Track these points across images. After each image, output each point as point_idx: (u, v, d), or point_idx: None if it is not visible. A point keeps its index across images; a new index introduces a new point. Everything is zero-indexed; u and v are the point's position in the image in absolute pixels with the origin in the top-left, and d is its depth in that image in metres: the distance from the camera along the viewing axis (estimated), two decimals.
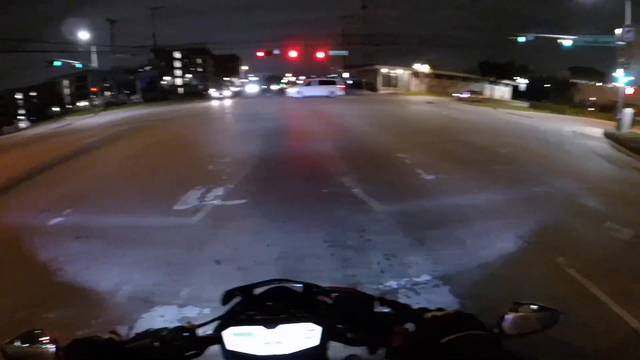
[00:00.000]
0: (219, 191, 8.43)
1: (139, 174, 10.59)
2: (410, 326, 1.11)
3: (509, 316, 1.07)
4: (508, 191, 8.03)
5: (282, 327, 1.06)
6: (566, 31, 27.74)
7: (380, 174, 9.45)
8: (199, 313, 4.17)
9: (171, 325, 1.16)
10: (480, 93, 49.60)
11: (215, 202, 7.77)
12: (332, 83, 43.91)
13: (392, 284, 4.62)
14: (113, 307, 4.37)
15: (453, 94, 46.75)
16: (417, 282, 4.65)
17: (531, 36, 29.04)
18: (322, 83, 42.96)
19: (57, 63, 35.47)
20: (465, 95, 44.04)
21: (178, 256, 5.54)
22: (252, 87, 57.73)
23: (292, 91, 43.65)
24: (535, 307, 1.10)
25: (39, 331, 1.07)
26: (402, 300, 3.28)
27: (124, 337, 1.11)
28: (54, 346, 1.04)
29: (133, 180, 9.94)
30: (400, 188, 8.37)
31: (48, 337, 1.05)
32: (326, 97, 38.01)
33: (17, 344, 1.05)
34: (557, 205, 7.44)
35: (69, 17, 43.25)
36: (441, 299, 4.26)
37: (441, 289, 4.50)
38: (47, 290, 4.82)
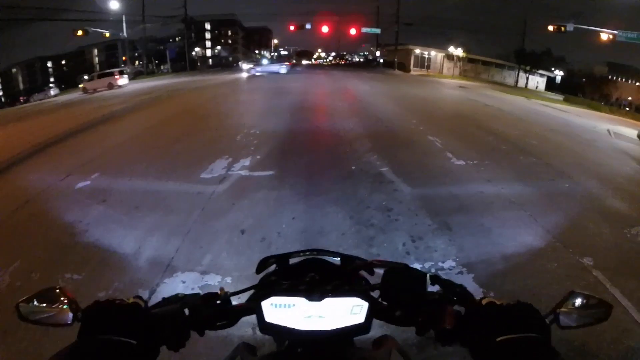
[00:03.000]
0: (246, 162, 8.43)
1: (167, 142, 10.65)
2: (462, 309, 1.04)
3: (563, 307, 1.02)
4: (537, 184, 7.83)
5: (326, 301, 0.99)
6: (606, 25, 26.80)
7: (409, 155, 9.30)
8: (220, 281, 4.21)
9: (202, 292, 1.09)
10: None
11: (242, 172, 7.77)
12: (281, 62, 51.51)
13: (417, 267, 4.54)
14: (135, 271, 4.43)
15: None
16: (442, 267, 4.62)
17: (570, 26, 28.06)
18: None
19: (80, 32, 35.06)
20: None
21: (202, 224, 5.59)
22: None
23: (246, 67, 48.51)
24: (589, 299, 1.03)
25: (58, 290, 1.00)
26: None
27: (149, 302, 1.05)
28: (72, 306, 0.97)
29: (161, 148, 10.00)
30: (429, 171, 8.23)
31: (67, 297, 0.99)
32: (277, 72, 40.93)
33: (34, 303, 0.99)
34: (585, 204, 7.22)
35: None
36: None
37: (465, 277, 4.44)
38: (69, 252, 4.90)
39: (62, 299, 0.98)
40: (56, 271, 4.41)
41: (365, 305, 1.00)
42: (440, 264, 4.68)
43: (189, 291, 1.13)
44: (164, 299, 1.07)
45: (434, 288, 1.10)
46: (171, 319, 1.01)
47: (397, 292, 1.07)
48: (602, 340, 3.52)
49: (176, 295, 1.08)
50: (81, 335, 0.93)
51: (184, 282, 4.19)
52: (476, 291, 4.13)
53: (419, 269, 1.19)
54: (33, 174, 8.20)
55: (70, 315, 0.97)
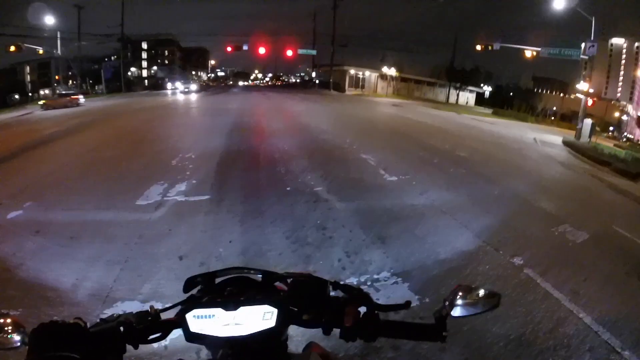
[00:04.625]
0: (182, 186, 8.38)
1: (102, 167, 10.35)
2: (362, 309, 1.20)
3: (453, 299, 1.16)
4: (467, 193, 8.29)
5: (240, 310, 1.12)
6: (530, 42, 28.57)
7: (343, 173, 9.55)
8: (160, 308, 4.15)
9: (135, 311, 1.21)
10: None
11: (178, 197, 7.70)
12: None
13: (353, 280, 4.72)
14: (74, 305, 4.28)
15: None
16: (377, 279, 4.78)
17: (497, 45, 29.78)
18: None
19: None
20: None
21: (140, 251, 5.47)
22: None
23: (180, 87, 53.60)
24: (478, 290, 1.19)
25: (4, 314, 1.09)
26: None
27: (89, 322, 1.14)
28: (20, 329, 1.07)
29: (96, 174, 9.69)
30: (363, 188, 8.49)
31: (13, 321, 1.08)
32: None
33: None
34: (515, 207, 7.74)
35: (34, 0, 41.79)
36: (400, 295, 4.40)
37: (400, 286, 4.64)
38: (5, 287, 4.70)
39: (8, 322, 1.07)
40: None
41: (275, 311, 1.13)
42: (375, 275, 4.86)
43: None
44: (101, 319, 1.17)
45: (337, 293, 1.26)
46: (109, 336, 1.12)
47: (303, 298, 1.21)
48: (539, 330, 3.83)
49: (112, 315, 1.19)
50: (30, 355, 1.01)
51: (124, 312, 4.13)
52: (411, 298, 4.31)
53: (349, 283, 1.36)
54: None
55: (18, 338, 1.06)
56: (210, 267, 5.02)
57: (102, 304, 4.26)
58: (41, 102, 34.26)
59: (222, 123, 18.21)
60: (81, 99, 35.26)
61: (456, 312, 1.16)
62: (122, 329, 1.15)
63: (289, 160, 10.86)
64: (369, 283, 4.69)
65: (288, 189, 8.26)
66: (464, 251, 5.60)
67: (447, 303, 1.17)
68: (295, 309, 1.19)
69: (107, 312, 4.02)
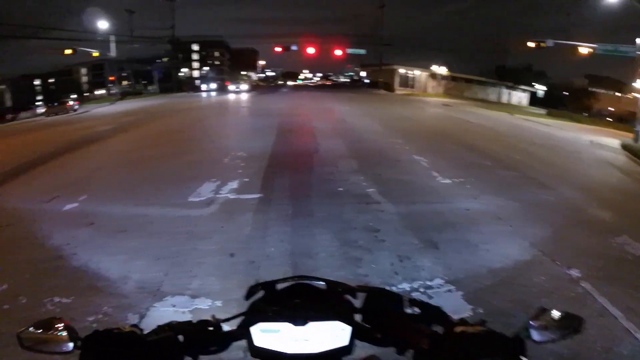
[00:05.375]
0: (234, 184, 8.46)
1: (153, 164, 10.65)
2: (439, 329, 1.11)
3: (534, 324, 1.06)
4: (521, 198, 7.97)
5: (311, 325, 1.05)
6: (584, 39, 27.43)
7: (395, 175, 9.40)
8: (210, 305, 4.19)
9: (195, 319, 1.15)
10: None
11: (230, 195, 7.79)
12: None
13: (405, 286, 4.61)
14: (123, 296, 4.38)
15: None
16: (430, 286, 4.64)
17: (550, 42, 28.71)
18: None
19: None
20: None
21: (191, 247, 5.58)
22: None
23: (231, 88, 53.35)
24: (559, 314, 1.09)
25: (57, 319, 1.06)
26: None
27: (145, 330, 1.10)
28: (72, 335, 1.02)
29: (150, 170, 9.99)
30: (415, 190, 8.34)
31: (65, 325, 1.04)
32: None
33: (35, 331, 1.03)
34: (570, 214, 7.38)
35: (89, 5, 43.70)
36: (453, 304, 4.24)
37: (453, 294, 4.49)
38: (57, 275, 4.86)
39: (61, 327, 1.04)
40: (44, 295, 4.36)
41: (347, 328, 1.05)
42: (427, 282, 4.71)
43: (179, 315, 1.19)
44: (158, 326, 1.12)
45: (413, 310, 1.17)
46: (166, 346, 1.06)
47: (377, 315, 1.13)
48: (594, 350, 3.59)
49: (170, 322, 1.13)
50: None
51: (174, 306, 4.18)
52: (464, 308, 4.19)
53: (400, 291, 1.26)
54: (20, 195, 8.13)
55: (70, 344, 1.01)
56: (260, 265, 5.04)
57: (152, 297, 4.35)
58: (43, 110, 38.38)
59: (272, 123, 18.43)
60: (75, 105, 37.68)
61: (537, 336, 1.05)
62: (181, 338, 1.09)
63: (339, 160, 10.83)
64: (421, 290, 4.56)
65: (339, 189, 8.21)
66: (519, 260, 5.35)
67: (530, 324, 1.06)
68: (369, 326, 1.11)
69: (157, 306, 4.10)
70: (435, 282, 4.72)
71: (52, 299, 4.27)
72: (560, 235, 6.30)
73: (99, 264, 5.05)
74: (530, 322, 1.06)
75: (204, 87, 55.71)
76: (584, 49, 26.47)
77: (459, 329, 1.08)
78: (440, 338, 1.09)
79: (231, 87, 52.31)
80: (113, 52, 43.00)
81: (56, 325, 1.04)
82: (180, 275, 4.82)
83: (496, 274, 4.94)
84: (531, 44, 29.75)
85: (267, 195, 7.82)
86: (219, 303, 4.21)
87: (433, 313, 1.14)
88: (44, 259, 5.30)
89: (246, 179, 8.87)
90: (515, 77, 58.46)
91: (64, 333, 1.03)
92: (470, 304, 4.28)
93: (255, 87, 66.54)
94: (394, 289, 4.57)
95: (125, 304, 4.23)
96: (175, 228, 6.26)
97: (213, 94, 50.21)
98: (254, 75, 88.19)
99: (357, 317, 1.14)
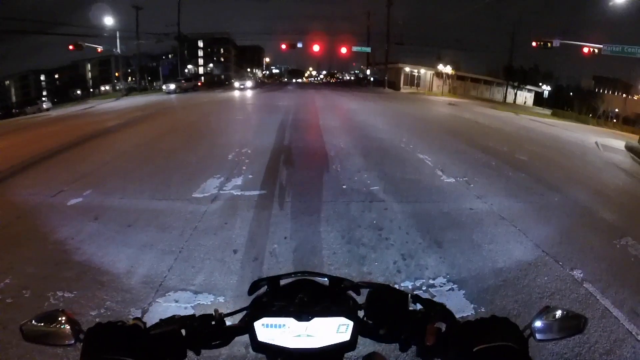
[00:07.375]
0: (238, 181, 8.47)
1: (158, 159, 10.66)
2: (442, 325, 1.11)
3: (539, 321, 1.07)
4: (526, 199, 7.96)
5: (314, 321, 1.05)
6: (590, 40, 27.26)
7: (400, 173, 9.39)
8: (213, 301, 4.20)
9: (198, 313, 1.15)
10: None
11: (234, 191, 7.80)
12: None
13: (408, 284, 4.61)
14: (127, 291, 4.40)
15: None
16: (433, 284, 4.65)
17: (556, 42, 28.54)
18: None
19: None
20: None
21: (195, 242, 5.60)
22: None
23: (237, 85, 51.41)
24: (564, 312, 1.10)
25: (60, 311, 1.06)
26: None
27: (148, 324, 1.11)
28: (75, 328, 1.04)
29: (153, 165, 10.01)
30: (420, 188, 8.32)
31: (68, 318, 1.05)
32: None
33: (38, 324, 1.04)
34: (575, 216, 7.35)
35: (95, 1, 43.79)
36: (456, 303, 4.24)
37: (456, 293, 4.49)
38: (61, 269, 4.87)
39: (64, 320, 1.04)
40: (48, 288, 4.38)
41: (350, 324, 1.06)
42: (431, 280, 4.72)
43: (182, 310, 1.19)
44: (161, 320, 1.12)
45: (416, 307, 1.17)
46: (169, 339, 1.07)
47: (381, 311, 1.14)
48: (595, 351, 3.59)
49: (173, 316, 1.14)
50: (85, 356, 0.98)
51: (176, 302, 4.19)
52: (467, 307, 4.20)
53: (404, 288, 1.25)
54: (25, 189, 8.15)
55: (73, 336, 1.03)
56: (264, 262, 5.05)
57: (155, 292, 4.37)
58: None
59: (278, 119, 18.40)
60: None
61: (540, 335, 1.07)
62: (184, 332, 1.09)
63: (344, 158, 10.81)
64: (424, 288, 4.57)
65: (344, 187, 8.20)
66: (523, 261, 5.35)
67: (533, 324, 1.07)
68: (372, 323, 1.11)
69: (160, 301, 4.12)
70: (439, 281, 4.72)
71: (56, 292, 4.29)
72: (564, 236, 6.28)
73: (102, 259, 5.08)
74: (534, 320, 1.07)
75: (236, 84, 53.51)
76: (590, 49, 26.32)
77: (463, 321, 1.08)
78: (443, 334, 1.09)
79: (236, 83, 52.19)
80: (118, 48, 43.14)
81: (59, 318, 1.05)
82: (184, 270, 4.84)
83: (499, 274, 4.94)
84: (536, 44, 29.58)
85: (271, 192, 7.83)
86: (221, 299, 4.23)
87: (436, 310, 1.14)
88: (49, 252, 5.32)
89: (250, 175, 8.87)
90: (522, 77, 58.29)
91: (67, 326, 1.04)
92: (473, 303, 4.29)
93: (260, 84, 66.47)
94: (396, 287, 4.55)
95: (128, 298, 4.25)
96: (178, 223, 6.27)
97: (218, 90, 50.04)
98: (259, 72, 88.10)
99: (360, 313, 1.14)
